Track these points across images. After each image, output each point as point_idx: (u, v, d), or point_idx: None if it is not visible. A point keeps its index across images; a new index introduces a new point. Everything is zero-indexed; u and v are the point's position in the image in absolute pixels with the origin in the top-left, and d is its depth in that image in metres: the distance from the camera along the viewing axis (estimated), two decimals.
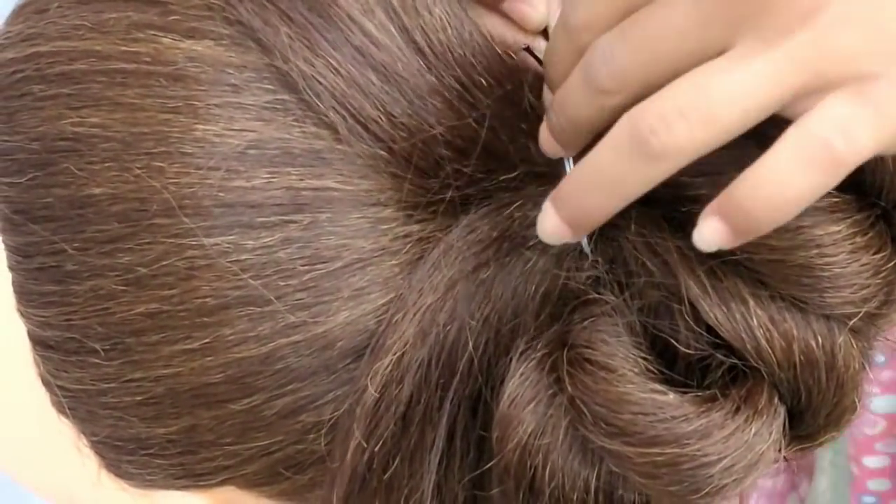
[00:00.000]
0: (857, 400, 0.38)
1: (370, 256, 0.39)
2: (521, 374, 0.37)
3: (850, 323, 0.37)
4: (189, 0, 0.39)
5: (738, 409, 0.37)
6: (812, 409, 0.38)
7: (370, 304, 0.39)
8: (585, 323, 0.38)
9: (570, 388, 0.37)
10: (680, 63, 0.34)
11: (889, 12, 0.33)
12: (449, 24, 0.39)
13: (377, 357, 0.38)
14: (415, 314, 0.38)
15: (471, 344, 0.38)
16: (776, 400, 0.38)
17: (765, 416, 0.37)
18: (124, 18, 0.39)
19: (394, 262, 0.39)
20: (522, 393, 0.37)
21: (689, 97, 0.33)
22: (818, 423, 0.39)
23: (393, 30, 0.39)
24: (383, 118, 0.38)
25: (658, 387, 0.37)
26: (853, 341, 0.38)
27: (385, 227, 0.39)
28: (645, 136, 0.34)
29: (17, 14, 0.42)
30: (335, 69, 0.38)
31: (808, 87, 0.33)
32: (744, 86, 0.33)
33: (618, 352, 0.37)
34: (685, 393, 0.37)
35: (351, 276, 0.39)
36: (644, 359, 0.38)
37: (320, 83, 0.38)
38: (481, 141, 0.39)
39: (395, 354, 0.38)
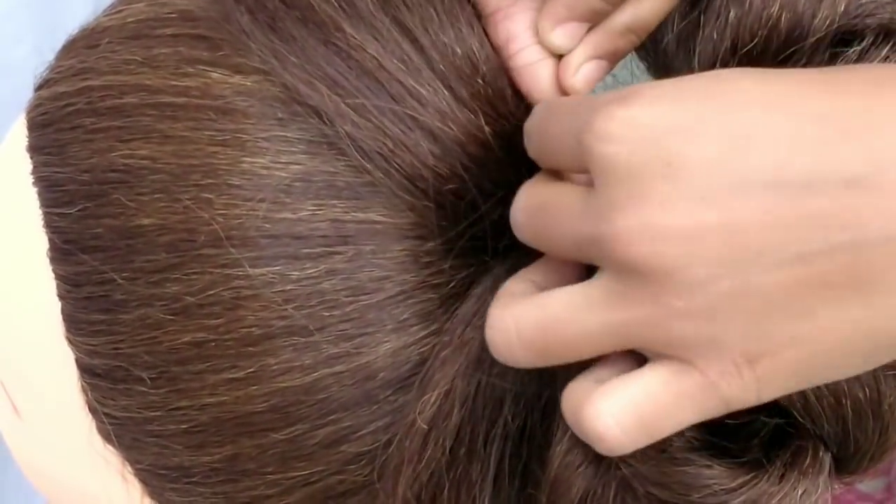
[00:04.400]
0: None
1: (412, 289, 0.39)
2: (571, 437, 0.37)
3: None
4: (237, 36, 0.40)
5: (784, 474, 0.36)
6: (858, 455, 0.38)
7: (412, 336, 0.39)
8: None
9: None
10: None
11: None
12: (492, 78, 0.40)
13: (425, 390, 0.39)
14: (461, 349, 0.39)
15: (518, 381, 0.39)
16: (821, 453, 0.37)
17: (811, 473, 0.37)
18: (174, 54, 0.40)
19: (435, 295, 0.40)
20: (573, 456, 0.37)
21: (530, 319, 0.35)
22: (863, 464, 0.39)
23: (438, 85, 0.39)
24: (428, 174, 0.39)
25: (705, 460, 0.36)
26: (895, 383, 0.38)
27: (427, 259, 0.39)
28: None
29: (69, 49, 0.43)
30: (382, 132, 0.39)
31: (640, 349, 0.34)
32: (582, 334, 0.34)
33: None
34: (730, 462, 0.37)
35: (394, 308, 0.39)
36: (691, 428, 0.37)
37: (367, 144, 0.39)
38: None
39: (443, 388, 0.38)
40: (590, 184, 0.34)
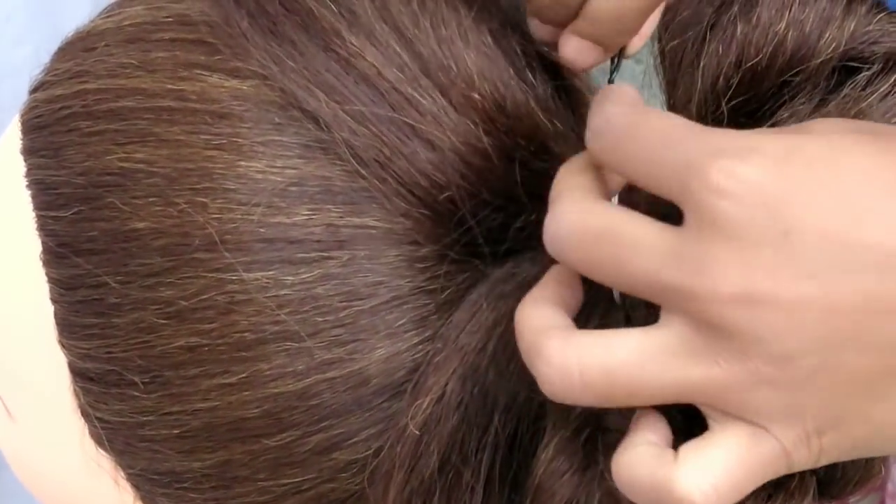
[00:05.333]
0: (882, 462, 0.38)
1: (407, 294, 0.39)
2: (557, 445, 0.37)
3: None
4: (234, 40, 0.40)
5: (770, 495, 0.36)
6: (844, 480, 0.38)
7: (406, 342, 0.39)
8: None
9: (604, 466, 0.37)
10: None
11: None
12: (491, 89, 0.40)
13: (418, 396, 0.38)
14: (455, 355, 0.39)
15: (510, 387, 0.39)
16: (807, 477, 0.37)
17: (797, 496, 0.37)
18: (171, 57, 0.40)
19: (430, 301, 0.39)
20: (558, 463, 0.37)
21: (596, 361, 0.34)
22: (847, 488, 0.39)
23: (437, 95, 0.39)
24: (425, 182, 0.39)
25: None
26: None
27: (422, 265, 0.39)
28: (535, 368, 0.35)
29: (65, 52, 0.43)
30: (380, 139, 0.38)
31: (707, 407, 0.34)
32: (652, 385, 0.33)
33: None
34: None
35: (388, 314, 0.39)
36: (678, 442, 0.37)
37: (363, 151, 0.39)
38: (521, 193, 0.39)
39: (435, 394, 0.38)
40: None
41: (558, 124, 0.41)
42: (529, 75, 0.41)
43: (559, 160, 0.39)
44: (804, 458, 0.33)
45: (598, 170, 0.37)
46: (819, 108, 0.37)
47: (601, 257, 0.34)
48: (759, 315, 0.31)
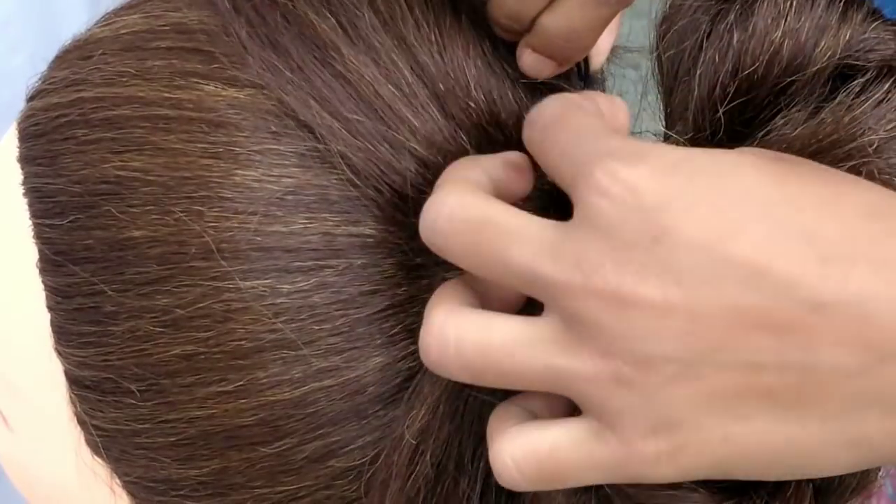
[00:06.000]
0: (879, 470, 0.38)
1: (402, 303, 0.39)
2: None
3: None
4: (232, 49, 0.40)
5: (767, 503, 0.37)
6: (840, 488, 0.38)
7: (401, 351, 0.39)
8: None
9: None
10: None
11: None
12: (487, 103, 0.40)
13: (414, 405, 0.39)
14: None
15: (505, 396, 0.39)
16: (804, 484, 0.37)
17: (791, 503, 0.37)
18: (168, 66, 0.40)
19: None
20: None
21: (472, 338, 0.34)
22: (844, 497, 0.39)
23: (433, 107, 0.39)
24: (417, 196, 0.38)
25: (690, 485, 0.36)
26: None
27: (417, 274, 0.39)
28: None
29: (62, 60, 0.43)
30: (374, 154, 0.39)
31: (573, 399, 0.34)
32: (522, 371, 0.34)
33: None
34: (714, 487, 0.37)
35: (384, 323, 0.39)
36: None
37: (358, 164, 0.39)
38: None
39: (431, 403, 0.38)
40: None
41: None
42: (522, 88, 0.40)
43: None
44: (651, 471, 0.33)
45: (486, 168, 0.37)
46: (814, 116, 0.37)
47: (478, 247, 0.34)
48: (623, 315, 0.32)
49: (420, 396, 0.39)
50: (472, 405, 0.39)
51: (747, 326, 0.32)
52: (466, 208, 0.35)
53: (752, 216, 0.32)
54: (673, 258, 0.32)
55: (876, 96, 0.37)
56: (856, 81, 0.37)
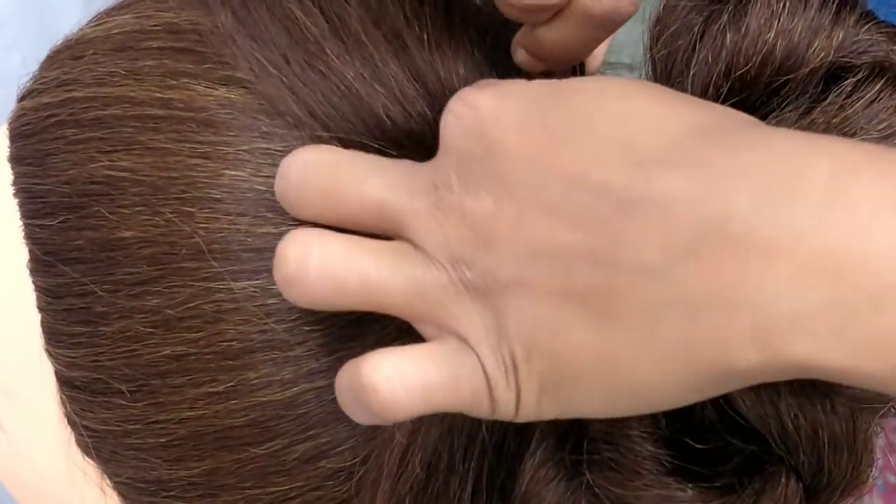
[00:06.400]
0: (870, 470, 0.38)
1: None
2: (543, 453, 0.37)
3: (874, 405, 0.37)
4: (223, 49, 0.40)
5: (755, 501, 0.36)
6: (830, 487, 0.38)
7: None
8: None
9: (588, 474, 0.37)
10: None
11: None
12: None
13: None
14: None
15: None
16: (793, 482, 0.37)
17: (781, 503, 0.37)
18: (159, 66, 0.40)
19: None
20: (544, 471, 0.37)
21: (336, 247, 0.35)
22: (833, 496, 0.38)
23: (422, 106, 0.39)
24: None
25: (678, 483, 0.36)
26: (871, 418, 0.38)
27: None
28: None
29: (53, 60, 0.43)
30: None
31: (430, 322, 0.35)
32: (379, 279, 0.35)
33: (638, 449, 0.37)
34: (703, 486, 0.37)
35: (375, 323, 0.39)
36: (661, 449, 0.37)
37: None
38: None
39: None
40: None
41: None
42: None
43: None
44: (502, 393, 0.34)
45: None
46: (805, 116, 0.37)
47: (332, 188, 0.36)
48: (463, 223, 0.34)
49: None
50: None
51: (564, 230, 0.32)
52: (320, 154, 0.36)
53: (578, 129, 0.33)
54: (502, 169, 0.33)
55: (867, 96, 0.36)
56: (847, 81, 0.37)
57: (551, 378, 0.33)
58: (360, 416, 0.35)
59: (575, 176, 0.32)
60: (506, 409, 0.34)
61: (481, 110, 0.34)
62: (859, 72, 0.37)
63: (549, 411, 0.34)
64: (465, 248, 0.34)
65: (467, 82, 0.39)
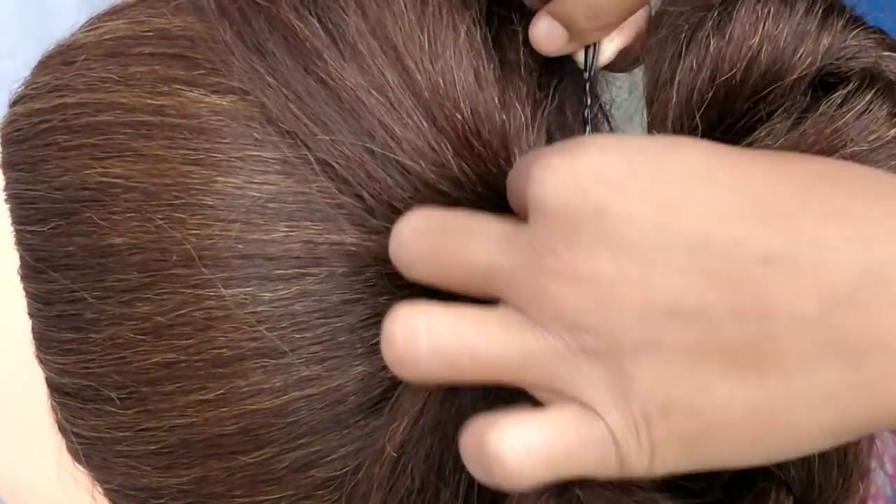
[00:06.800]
0: (860, 482, 0.38)
1: (385, 312, 0.39)
2: None
3: None
4: (215, 55, 0.40)
5: None
6: (821, 501, 0.38)
7: (382, 361, 0.39)
8: None
9: (579, 490, 0.37)
10: None
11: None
12: (472, 113, 0.39)
13: (395, 417, 0.38)
14: None
15: (487, 407, 0.38)
16: (783, 496, 0.37)
17: None
18: (151, 72, 0.40)
19: None
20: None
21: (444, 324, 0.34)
22: None
23: (418, 115, 0.39)
24: (399, 205, 0.38)
25: (668, 500, 0.36)
26: None
27: (400, 283, 0.39)
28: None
29: (45, 65, 0.43)
30: (356, 162, 0.38)
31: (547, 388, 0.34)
32: (492, 354, 0.34)
33: None
34: (693, 501, 0.36)
35: (365, 332, 0.39)
36: None
37: (340, 172, 0.38)
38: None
39: (413, 416, 0.38)
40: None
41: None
42: (510, 103, 0.40)
43: None
44: (634, 452, 0.33)
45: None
46: (796, 127, 0.37)
47: (440, 250, 0.35)
48: (581, 290, 0.32)
49: (402, 409, 0.38)
50: (455, 416, 0.39)
51: (700, 289, 0.32)
52: (428, 217, 0.36)
53: (694, 185, 0.32)
54: (619, 231, 0.32)
55: (858, 107, 0.36)
56: (838, 93, 0.37)
57: (694, 433, 0.33)
58: (484, 480, 0.34)
59: (701, 233, 0.32)
60: (637, 467, 0.33)
61: (580, 174, 0.33)
62: (849, 82, 0.37)
63: (688, 464, 0.34)
64: (583, 314, 0.32)
65: (467, 92, 0.39)
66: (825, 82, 0.38)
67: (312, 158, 0.38)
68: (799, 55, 0.37)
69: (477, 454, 0.34)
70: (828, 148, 0.37)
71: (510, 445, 0.33)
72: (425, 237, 0.35)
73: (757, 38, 0.37)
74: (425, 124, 0.39)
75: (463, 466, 0.39)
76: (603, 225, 0.32)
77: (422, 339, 0.34)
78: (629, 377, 0.32)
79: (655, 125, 0.40)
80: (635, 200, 0.32)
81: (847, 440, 0.33)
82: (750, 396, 0.32)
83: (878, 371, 0.31)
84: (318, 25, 0.39)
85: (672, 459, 0.33)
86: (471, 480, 0.39)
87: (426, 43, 0.39)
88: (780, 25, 0.37)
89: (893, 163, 0.37)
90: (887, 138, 0.37)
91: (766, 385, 0.32)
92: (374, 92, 0.38)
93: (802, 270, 0.31)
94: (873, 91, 0.37)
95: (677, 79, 0.38)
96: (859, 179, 0.33)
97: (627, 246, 0.32)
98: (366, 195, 0.38)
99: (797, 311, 0.31)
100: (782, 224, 0.31)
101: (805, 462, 0.36)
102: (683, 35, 0.38)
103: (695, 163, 0.33)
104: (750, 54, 0.37)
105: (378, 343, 0.38)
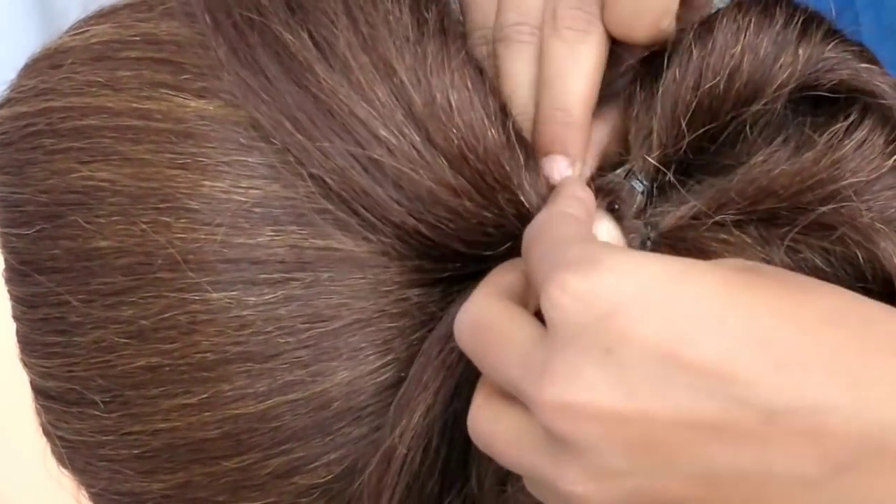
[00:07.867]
0: None
1: (370, 317, 0.39)
2: None
3: None
4: (202, 60, 0.40)
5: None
6: None
7: (368, 366, 0.39)
8: None
9: None
10: None
11: None
12: (467, 127, 0.39)
13: (402, 415, 0.38)
14: (439, 373, 0.39)
15: None
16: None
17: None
18: (137, 76, 0.40)
19: (392, 324, 0.39)
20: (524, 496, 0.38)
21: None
22: None
23: (412, 130, 0.39)
24: (393, 218, 0.38)
25: None
26: None
27: (385, 289, 0.39)
28: None
29: (31, 69, 0.43)
30: (348, 177, 0.38)
31: None
32: (515, 459, 0.35)
33: None
34: None
35: (350, 336, 0.39)
36: None
37: (331, 186, 0.38)
38: (488, 225, 0.39)
39: (422, 413, 0.38)
40: None
41: (524, 169, 0.40)
42: (502, 122, 0.40)
43: (524, 205, 0.39)
44: None
45: (525, 276, 0.37)
46: (795, 156, 0.37)
47: (480, 349, 0.36)
48: (580, 427, 0.32)
49: (408, 408, 0.38)
50: (458, 421, 0.39)
51: (702, 436, 0.31)
52: (479, 315, 0.36)
53: (704, 323, 0.32)
54: (625, 367, 0.32)
55: (858, 138, 0.36)
56: (839, 125, 0.37)
57: None
58: None
59: (710, 375, 0.31)
60: None
61: (593, 303, 0.32)
62: (831, 92, 0.37)
63: None
64: (582, 453, 0.33)
65: (458, 107, 0.39)
66: (810, 98, 0.38)
67: (306, 174, 0.38)
68: (779, 64, 0.37)
69: None
70: (828, 178, 0.37)
71: None
72: (472, 336, 0.36)
73: (739, 48, 0.37)
74: (417, 137, 0.38)
75: (466, 466, 0.39)
76: (610, 360, 0.32)
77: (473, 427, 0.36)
78: None
79: (640, 138, 0.40)
80: (644, 336, 0.32)
81: None
82: None
83: None
84: (308, 39, 0.39)
85: None
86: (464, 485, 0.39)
87: (419, 58, 0.39)
88: (761, 36, 0.37)
89: (889, 193, 0.37)
90: (884, 169, 0.37)
91: None
92: (366, 105, 0.38)
93: (804, 431, 0.31)
94: (872, 121, 0.37)
95: (661, 89, 0.38)
96: (867, 325, 0.33)
97: (631, 384, 0.32)
98: (356, 207, 0.38)
99: (797, 473, 0.31)
100: (788, 378, 0.31)
101: None
102: (667, 48, 0.38)
103: (706, 298, 0.32)
104: (732, 63, 0.37)
105: (362, 348, 0.39)
